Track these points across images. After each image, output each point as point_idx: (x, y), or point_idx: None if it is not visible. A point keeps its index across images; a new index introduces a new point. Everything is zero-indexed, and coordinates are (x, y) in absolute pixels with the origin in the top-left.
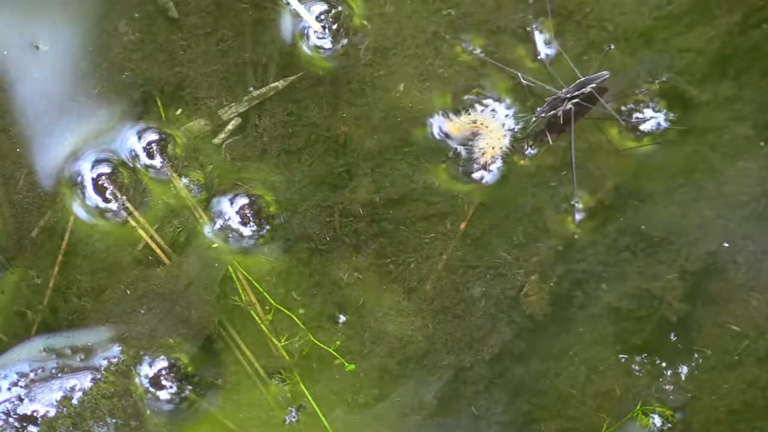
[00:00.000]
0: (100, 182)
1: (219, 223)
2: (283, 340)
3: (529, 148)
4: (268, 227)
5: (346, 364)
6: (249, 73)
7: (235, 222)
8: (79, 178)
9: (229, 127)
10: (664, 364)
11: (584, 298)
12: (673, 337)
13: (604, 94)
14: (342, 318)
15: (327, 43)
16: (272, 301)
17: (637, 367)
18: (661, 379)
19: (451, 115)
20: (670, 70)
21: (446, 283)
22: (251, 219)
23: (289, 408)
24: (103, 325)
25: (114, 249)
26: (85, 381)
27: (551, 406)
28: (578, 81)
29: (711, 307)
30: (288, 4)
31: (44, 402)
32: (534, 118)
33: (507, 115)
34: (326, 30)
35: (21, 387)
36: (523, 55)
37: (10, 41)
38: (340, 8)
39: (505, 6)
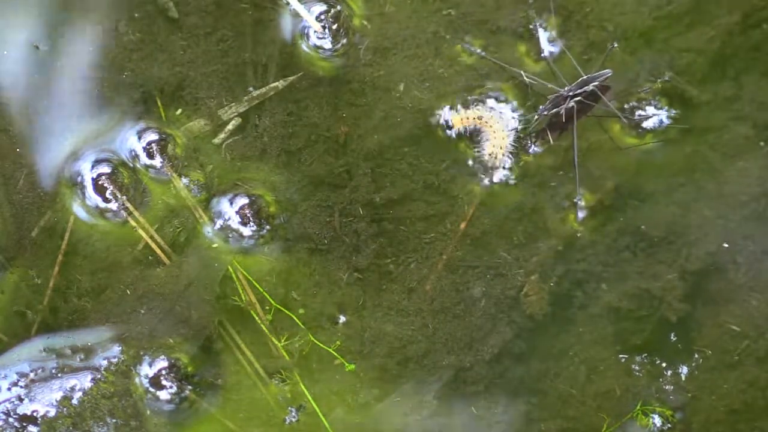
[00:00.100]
0: (100, 182)
1: (219, 223)
2: (283, 340)
3: (533, 146)
4: (268, 227)
5: (346, 364)
6: (249, 73)
7: (235, 222)
8: (79, 178)
9: (229, 127)
10: (664, 364)
11: (584, 298)
12: (673, 337)
13: (606, 92)
14: (342, 318)
15: (327, 43)
16: (272, 301)
17: (637, 367)
18: (661, 379)
19: (458, 107)
20: (670, 69)
21: (446, 283)
22: (251, 219)
23: (289, 408)
24: (103, 325)
25: (114, 249)
26: (85, 381)
27: (551, 406)
28: (581, 79)
29: (711, 307)
30: (288, 4)
31: (44, 402)
32: (536, 116)
33: (512, 116)
34: (326, 30)
35: (21, 387)
36: (524, 54)
37: (10, 41)
38: (339, 8)
39: (505, 5)
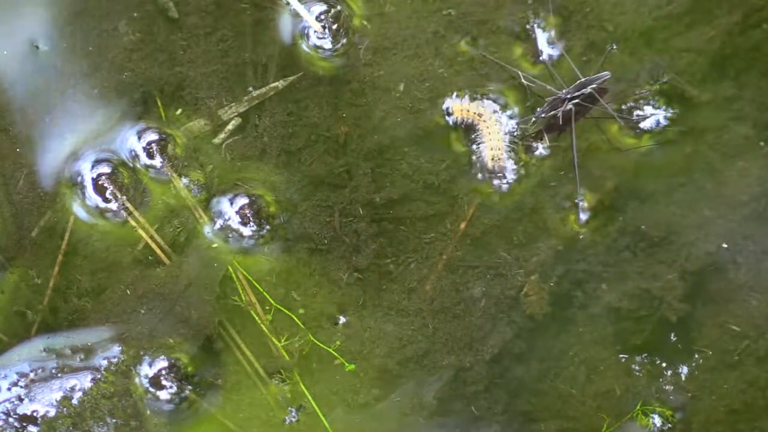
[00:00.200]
0: (100, 182)
1: (219, 223)
2: (283, 340)
3: (534, 148)
4: (268, 227)
5: (346, 364)
6: (249, 73)
7: (235, 222)
8: (79, 178)
9: (229, 127)
10: (664, 364)
11: (584, 298)
12: (673, 337)
13: (604, 95)
14: (342, 318)
15: (327, 43)
16: (272, 301)
17: (637, 367)
18: (661, 379)
19: (464, 97)
20: (670, 70)
21: (446, 283)
22: (251, 219)
23: (289, 408)
24: (103, 325)
25: (114, 249)
26: (85, 381)
27: (551, 406)
28: (579, 81)
29: (711, 307)
30: (288, 4)
31: (44, 402)
32: (534, 119)
33: (509, 120)
34: (326, 30)
35: (21, 387)
36: (523, 55)
37: (10, 41)
38: (340, 8)
39: (505, 5)
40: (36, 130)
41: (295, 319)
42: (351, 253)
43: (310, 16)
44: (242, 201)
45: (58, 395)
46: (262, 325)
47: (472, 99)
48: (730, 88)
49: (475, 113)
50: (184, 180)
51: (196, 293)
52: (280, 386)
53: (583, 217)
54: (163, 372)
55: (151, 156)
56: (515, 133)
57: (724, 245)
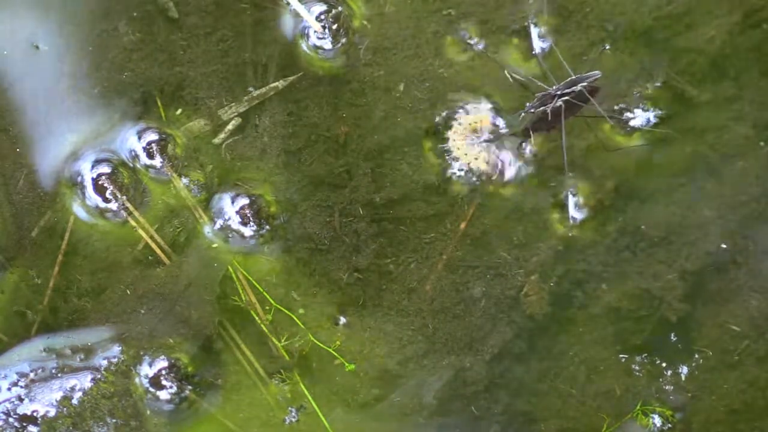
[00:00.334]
0: (100, 182)
1: (219, 223)
2: (283, 340)
3: (525, 146)
4: (268, 227)
5: (346, 364)
6: (249, 73)
7: (235, 222)
8: (79, 178)
9: (229, 127)
10: (664, 364)
11: (584, 298)
12: (673, 337)
13: (596, 94)
14: (342, 318)
15: (327, 44)
16: (272, 301)
17: (637, 367)
18: (661, 379)
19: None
20: (670, 69)
21: (446, 283)
22: (251, 219)
23: (289, 408)
24: (103, 325)
25: (114, 249)
26: (85, 381)
27: (551, 406)
28: (569, 79)
29: (711, 307)
30: (288, 4)
31: (44, 402)
32: (522, 113)
33: (468, 125)
34: (326, 30)
35: (21, 387)
36: (520, 54)
37: (10, 41)
38: (340, 8)
39: (505, 5)
40: (36, 130)
41: (295, 319)
42: (351, 253)
43: (310, 16)
44: (242, 201)
45: (58, 395)
46: (262, 325)
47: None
48: (730, 88)
49: (456, 150)
50: (184, 180)
51: (196, 293)
52: (280, 386)
53: (574, 216)
54: (163, 372)
55: (151, 156)
56: (487, 137)
57: (723, 245)
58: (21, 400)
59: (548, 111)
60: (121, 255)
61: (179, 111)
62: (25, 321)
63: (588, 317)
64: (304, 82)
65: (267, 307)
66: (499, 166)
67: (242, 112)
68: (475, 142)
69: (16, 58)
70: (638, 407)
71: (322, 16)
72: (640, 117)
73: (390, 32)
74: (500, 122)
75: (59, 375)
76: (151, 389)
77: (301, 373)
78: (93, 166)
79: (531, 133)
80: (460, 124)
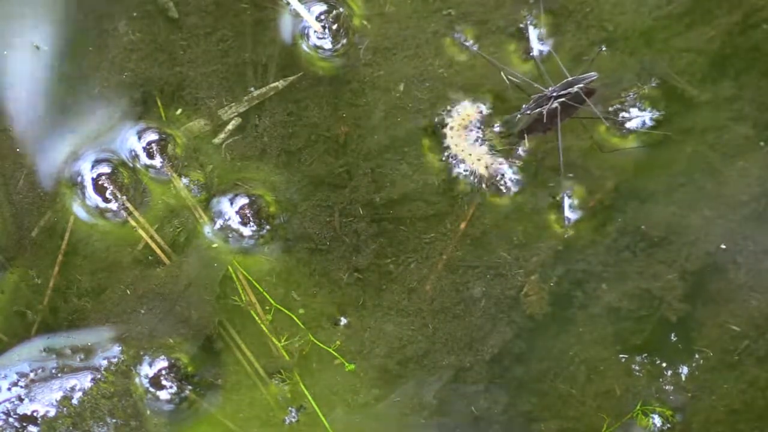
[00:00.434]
0: (100, 182)
1: (219, 223)
2: (283, 340)
3: (518, 148)
4: (268, 227)
5: (346, 364)
6: (249, 73)
7: (235, 222)
8: (79, 178)
9: (229, 127)
10: (664, 364)
11: (584, 298)
12: (673, 337)
13: (592, 95)
14: (342, 318)
15: (327, 43)
16: (272, 301)
17: (637, 367)
18: (661, 379)
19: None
20: (670, 69)
21: (446, 283)
22: (251, 219)
23: (289, 408)
24: (103, 325)
25: (114, 249)
26: (85, 381)
27: (551, 406)
28: (565, 80)
29: (711, 307)
30: (288, 4)
31: (44, 402)
32: (518, 115)
33: (475, 126)
34: (326, 30)
35: (21, 387)
36: (518, 54)
37: (10, 41)
38: (340, 9)
39: (505, 5)
40: (36, 130)
41: (295, 319)
42: (351, 253)
43: (310, 16)
44: (242, 201)
45: (58, 395)
46: (262, 325)
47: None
48: (730, 88)
49: (455, 148)
50: (184, 180)
51: (196, 293)
52: (280, 386)
53: (571, 216)
54: (163, 372)
55: (151, 156)
56: (485, 138)
57: (723, 246)
58: (21, 400)
59: (544, 112)
60: (121, 255)
61: (179, 111)
62: (25, 321)
63: (588, 317)
64: (304, 82)
65: (267, 307)
66: (499, 170)
67: (242, 112)
68: (477, 142)
69: (16, 58)
70: (638, 407)
71: (322, 16)
72: (636, 119)
73: (390, 32)
74: (483, 109)
75: (59, 375)
76: (151, 389)
77: (301, 373)
78: (93, 166)
79: (525, 134)
80: (451, 128)
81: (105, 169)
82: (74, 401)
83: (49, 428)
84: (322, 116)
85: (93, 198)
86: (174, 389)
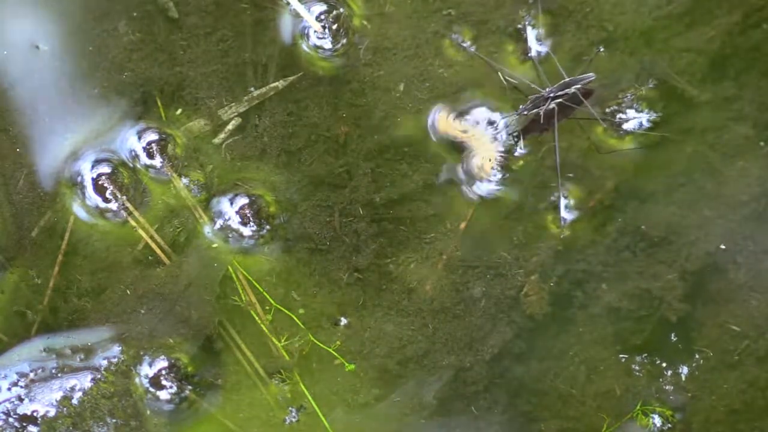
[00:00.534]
0: (100, 182)
1: (219, 223)
2: (283, 340)
3: (516, 148)
4: (268, 227)
5: (346, 364)
6: (249, 73)
7: (235, 222)
8: (79, 178)
9: (229, 127)
10: (664, 364)
11: (584, 298)
12: (673, 337)
13: (589, 96)
14: (342, 318)
15: (327, 43)
16: (272, 301)
17: (637, 367)
18: (661, 379)
19: (449, 115)
20: (670, 69)
21: (446, 283)
22: (251, 219)
23: (289, 408)
24: (103, 325)
25: (114, 249)
26: (85, 381)
27: (551, 406)
28: (563, 81)
29: (711, 307)
30: (288, 4)
31: (44, 402)
32: (515, 116)
33: (496, 124)
34: (326, 30)
35: (21, 387)
36: (517, 55)
37: (10, 41)
38: (340, 9)
39: (505, 5)
40: (36, 130)
41: (295, 319)
42: (351, 253)
43: (310, 16)
44: (242, 201)
45: (58, 395)
46: (262, 325)
47: (458, 115)
48: (730, 88)
49: (461, 131)
50: (184, 180)
51: (196, 293)
52: (280, 386)
53: (567, 216)
54: (163, 372)
55: (151, 156)
56: (504, 138)
57: (723, 246)
58: (21, 400)
59: (541, 113)
60: (121, 255)
61: (179, 111)
62: (25, 321)
63: (588, 317)
64: (304, 82)
65: (267, 307)
66: (499, 167)
67: (242, 112)
68: (490, 137)
69: (16, 58)
70: (638, 407)
71: (322, 16)
72: (633, 120)
73: (390, 32)
74: (478, 112)
75: (59, 375)
76: (151, 389)
77: (301, 373)
78: (93, 166)
79: (523, 135)
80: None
81: (105, 169)
82: (74, 401)
83: (49, 428)
84: (322, 116)
85: (93, 198)
86: (174, 389)
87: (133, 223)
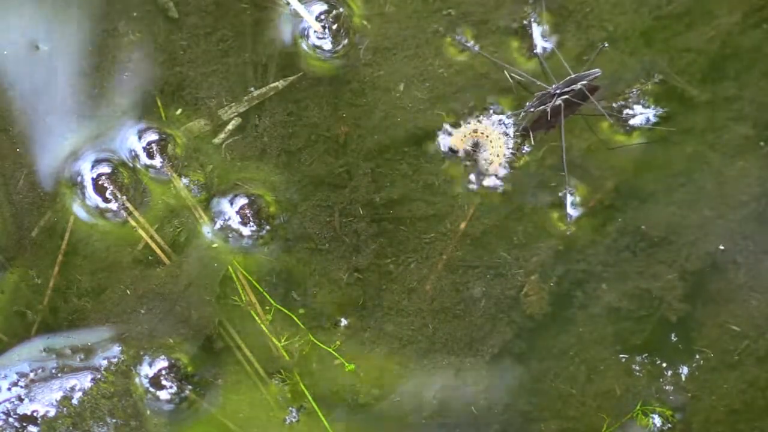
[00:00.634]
0: (100, 182)
1: (219, 223)
2: (283, 340)
3: (523, 145)
4: (268, 227)
5: (346, 364)
6: (249, 73)
7: (235, 222)
8: (79, 178)
9: (229, 127)
10: (664, 364)
11: (584, 298)
12: (673, 337)
13: (595, 92)
14: (342, 318)
15: (327, 43)
16: (272, 301)
17: (637, 367)
18: (661, 379)
19: (451, 130)
20: (670, 69)
21: (446, 283)
22: (251, 219)
23: (289, 408)
24: (103, 325)
25: (114, 249)
26: (85, 381)
27: (551, 406)
28: (568, 78)
29: (711, 307)
30: (288, 4)
31: (44, 402)
32: (522, 113)
33: (504, 121)
34: (326, 30)
35: (21, 387)
36: (519, 53)
37: (10, 41)
38: (340, 9)
39: (505, 5)
40: (36, 130)
41: (295, 319)
42: (351, 253)
43: (310, 16)
44: (242, 201)
45: (58, 395)
46: (262, 325)
47: (457, 125)
48: (730, 88)
49: (471, 132)
50: (184, 180)
51: (196, 293)
52: (280, 386)
53: (572, 213)
54: (163, 372)
55: (151, 156)
56: (512, 134)
57: (722, 246)
58: (21, 400)
59: (548, 110)
60: (121, 255)
61: (179, 111)
62: (25, 321)
63: (588, 317)
64: (304, 82)
65: (267, 307)
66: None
67: (242, 112)
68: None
69: (16, 58)
70: (638, 407)
71: (322, 16)
72: (640, 115)
73: (390, 32)
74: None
75: (59, 375)
76: (151, 389)
77: (301, 373)
78: (93, 166)
79: (530, 132)
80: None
81: (105, 169)
82: (74, 401)
83: (49, 428)
84: (322, 116)
85: (93, 198)
86: (174, 389)
87: (133, 223)
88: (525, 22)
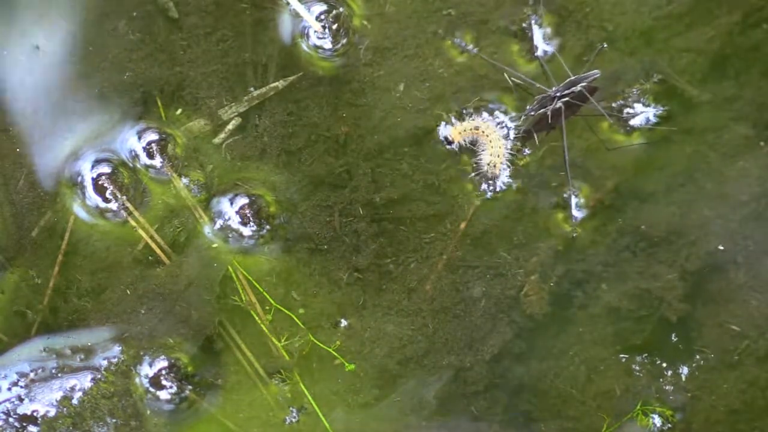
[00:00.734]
0: (100, 182)
1: (219, 223)
2: (283, 340)
3: (525, 147)
4: (268, 227)
5: (346, 364)
6: (249, 73)
7: (235, 222)
8: (79, 178)
9: (229, 127)
10: (664, 364)
11: (584, 298)
12: (673, 337)
13: (594, 93)
14: (342, 318)
15: (327, 43)
16: (272, 301)
17: (637, 367)
18: (661, 379)
19: (453, 120)
20: (670, 69)
21: (446, 283)
22: (251, 219)
23: (290, 408)
24: (103, 325)
25: (114, 249)
26: (85, 381)
27: (551, 406)
28: (568, 79)
29: (711, 307)
30: (288, 4)
31: (44, 402)
32: (523, 116)
33: (504, 123)
34: (326, 30)
35: (21, 387)
36: (520, 54)
37: (10, 41)
38: (340, 8)
39: (504, 5)
40: (36, 130)
41: (295, 319)
42: (351, 253)
43: (310, 16)
44: (242, 201)
45: (58, 395)
46: (262, 325)
47: (461, 118)
48: (730, 88)
49: (472, 129)
50: (184, 180)
51: (196, 293)
52: (280, 386)
53: (578, 215)
54: (163, 372)
55: (151, 156)
56: (513, 136)
57: (722, 247)
58: (21, 400)
59: (548, 113)
60: (121, 255)
61: (179, 111)
62: (25, 321)
63: (588, 317)
64: (304, 82)
65: (267, 307)
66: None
67: (242, 112)
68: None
69: (16, 58)
70: (638, 407)
71: (322, 16)
72: (640, 115)
73: (390, 32)
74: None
75: (59, 375)
76: (151, 389)
77: (301, 373)
78: (93, 166)
79: (534, 134)
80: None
81: (105, 169)
82: (74, 401)
83: (49, 428)
84: (322, 116)
85: (93, 198)
86: (174, 389)
87: (133, 223)
88: (524, 24)
